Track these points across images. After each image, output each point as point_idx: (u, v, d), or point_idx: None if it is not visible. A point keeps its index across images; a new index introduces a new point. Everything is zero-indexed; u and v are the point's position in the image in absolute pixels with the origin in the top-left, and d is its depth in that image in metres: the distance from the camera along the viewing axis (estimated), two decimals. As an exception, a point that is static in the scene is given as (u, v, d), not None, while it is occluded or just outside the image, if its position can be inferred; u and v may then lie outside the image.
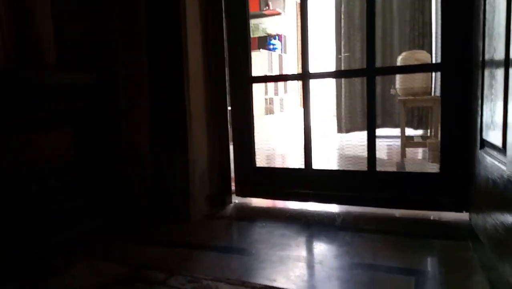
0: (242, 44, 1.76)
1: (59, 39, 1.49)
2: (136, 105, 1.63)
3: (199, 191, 1.67)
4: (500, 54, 1.00)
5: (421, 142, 2.78)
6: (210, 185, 1.77)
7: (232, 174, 1.85)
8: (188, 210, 1.61)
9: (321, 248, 1.29)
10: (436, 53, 3.23)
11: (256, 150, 1.87)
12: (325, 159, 2.97)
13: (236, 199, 1.86)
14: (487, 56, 1.16)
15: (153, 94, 1.61)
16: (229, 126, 1.83)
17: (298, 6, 6.32)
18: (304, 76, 1.72)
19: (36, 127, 1.29)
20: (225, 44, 1.76)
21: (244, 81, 1.78)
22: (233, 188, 1.87)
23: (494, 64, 1.07)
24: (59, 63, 1.49)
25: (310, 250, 1.29)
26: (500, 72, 1.01)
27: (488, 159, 1.12)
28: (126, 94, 1.62)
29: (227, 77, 1.78)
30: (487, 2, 1.15)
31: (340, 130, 4.27)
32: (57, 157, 1.38)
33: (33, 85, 1.27)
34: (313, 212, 1.66)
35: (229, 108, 1.84)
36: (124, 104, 1.62)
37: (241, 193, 1.85)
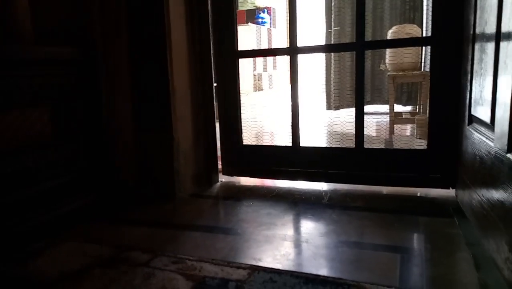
0: (228, 17, 1.70)
1: (36, 14, 1.41)
2: (117, 82, 1.57)
3: (184, 169, 1.64)
4: (491, 28, 0.97)
5: (410, 118, 2.77)
6: (196, 164, 1.74)
7: (219, 152, 1.82)
8: (173, 189, 1.59)
9: (307, 227, 1.28)
10: (426, 27, 3.19)
11: (243, 128, 1.84)
12: (314, 136, 2.95)
13: (223, 178, 1.84)
14: (478, 30, 1.13)
15: (135, 70, 1.56)
16: (215, 103, 1.78)
17: (287, -22, 6.14)
18: (292, 50, 1.67)
19: (11, 105, 1.23)
20: (210, 17, 1.69)
21: (230, 55, 1.73)
22: (220, 166, 1.84)
23: (485, 38, 1.04)
24: (37, 38, 1.42)
25: (296, 229, 1.28)
26: (490, 46, 0.98)
27: (476, 135, 1.10)
28: (106, 70, 1.56)
29: (212, 52, 1.73)
30: (479, -28, 1.10)
31: (329, 107, 4.25)
32: (35, 136, 1.33)
33: (4, 60, 1.20)
34: (301, 190, 1.65)
35: (215, 84, 1.79)
36: (104, 81, 1.56)
37: (227, 171, 1.83)
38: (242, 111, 1.81)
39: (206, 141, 1.76)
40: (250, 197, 1.58)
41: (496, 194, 0.90)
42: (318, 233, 1.21)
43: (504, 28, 0.87)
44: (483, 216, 1.01)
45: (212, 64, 1.73)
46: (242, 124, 1.82)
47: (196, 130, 1.72)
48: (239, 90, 1.77)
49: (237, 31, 1.73)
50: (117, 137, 1.60)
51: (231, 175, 1.84)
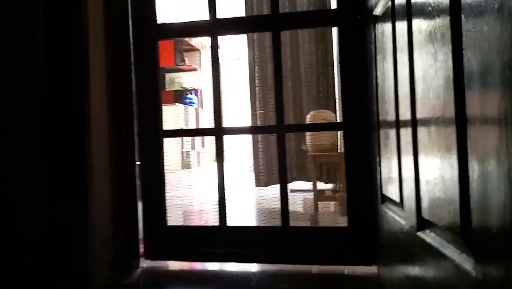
0: (152, 98, 1.71)
1: None
2: (24, 154, 1.45)
3: (100, 254, 1.49)
4: (391, 116, 1.10)
5: (332, 196, 2.91)
6: (114, 247, 1.59)
7: (141, 234, 1.71)
8: (86, 278, 1.42)
9: (234, 315, 1.20)
10: (340, 113, 3.52)
11: (168, 207, 1.77)
12: (244, 214, 2.93)
13: (145, 263, 1.70)
14: (381, 118, 1.27)
15: (48, 146, 1.46)
16: (137, 182, 1.71)
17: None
18: (217, 131, 1.71)
19: None
20: (134, 96, 1.69)
21: (155, 135, 1.71)
22: (142, 249, 1.71)
23: (387, 125, 1.16)
24: None
25: (222, 318, 1.19)
26: (392, 133, 1.09)
27: (389, 214, 1.18)
28: (12, 143, 1.43)
29: (136, 130, 1.70)
30: (378, 69, 1.27)
31: (258, 183, 4.31)
32: None
33: None
34: (228, 273, 1.58)
35: (138, 163, 1.73)
36: (10, 152, 1.43)
37: (150, 255, 1.70)
38: (167, 190, 1.75)
39: (126, 222, 1.65)
40: (175, 284, 1.47)
41: (413, 271, 0.94)
42: (245, 322, 1.14)
43: (402, 118, 0.99)
44: (403, 293, 1.04)
45: (136, 143, 1.70)
46: (168, 204, 1.76)
47: (115, 210, 1.61)
48: (163, 169, 1.73)
49: (161, 110, 1.75)
50: (20, 215, 1.43)
51: (154, 259, 1.71)
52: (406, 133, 0.95)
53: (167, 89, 6.32)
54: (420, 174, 0.86)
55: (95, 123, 1.50)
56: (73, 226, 1.43)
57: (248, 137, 4.52)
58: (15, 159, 1.44)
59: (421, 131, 0.83)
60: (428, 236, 0.83)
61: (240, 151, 5.91)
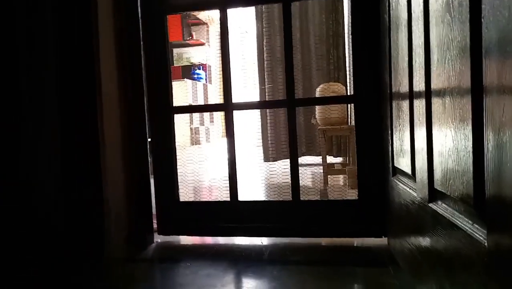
0: (162, 74, 1.71)
1: None
2: (43, 136, 1.47)
3: (115, 231, 1.53)
4: (405, 87, 1.08)
5: (341, 169, 2.91)
6: (129, 224, 1.63)
7: (154, 210, 1.74)
8: (103, 253, 1.47)
9: (248, 286, 1.24)
10: (350, 86, 3.47)
11: (180, 183, 1.79)
12: (253, 189, 2.96)
13: (158, 238, 1.75)
14: (394, 89, 1.25)
15: (63, 125, 1.47)
16: (149, 159, 1.73)
17: (222, 38, 6.46)
18: (227, 106, 1.71)
19: None
20: (144, 72, 1.69)
21: (165, 111, 1.72)
22: (155, 225, 1.75)
23: (400, 96, 1.15)
24: None
25: (236, 289, 1.23)
26: (405, 104, 1.08)
27: (400, 186, 1.18)
28: (29, 128, 1.46)
29: (146, 107, 1.71)
30: (392, 40, 1.24)
31: (267, 159, 4.33)
32: None
33: None
34: (241, 246, 1.61)
35: (150, 140, 1.75)
36: (26, 138, 1.45)
37: (163, 230, 1.74)
38: (178, 167, 1.77)
39: (140, 199, 1.68)
40: (188, 257, 1.50)
41: (424, 242, 0.95)
42: (258, 292, 1.17)
43: (416, 88, 0.98)
44: (415, 264, 1.06)
45: (146, 119, 1.71)
46: (179, 180, 1.78)
47: (129, 187, 1.64)
48: (175, 145, 1.75)
49: (171, 86, 1.74)
50: (40, 196, 1.47)
51: (168, 234, 1.75)
52: (420, 105, 0.93)
53: (175, 65, 6.29)
54: (434, 146, 0.85)
55: (106, 101, 1.50)
56: (88, 204, 1.47)
57: (256, 112, 4.50)
58: (33, 137, 1.46)
59: (436, 102, 0.82)
60: (440, 207, 0.83)
61: (248, 126, 5.91)
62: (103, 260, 1.46)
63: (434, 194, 0.87)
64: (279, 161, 4.11)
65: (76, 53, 1.46)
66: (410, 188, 1.08)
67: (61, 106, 1.47)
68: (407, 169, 1.10)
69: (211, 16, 6.49)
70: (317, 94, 2.99)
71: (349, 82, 3.54)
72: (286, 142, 4.07)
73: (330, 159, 3.62)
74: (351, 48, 1.60)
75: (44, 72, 1.46)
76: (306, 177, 3.26)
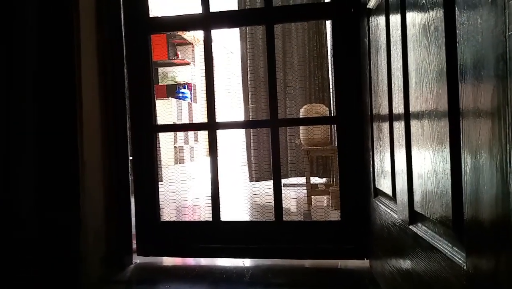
0: (145, 92, 1.70)
1: None
2: (18, 155, 1.43)
3: (93, 251, 1.48)
4: (384, 110, 1.10)
5: (325, 190, 2.92)
6: (107, 244, 1.58)
7: (134, 230, 1.70)
8: (78, 275, 1.41)
9: (228, 309, 1.20)
10: (333, 107, 3.52)
11: (162, 203, 1.76)
12: (237, 209, 2.93)
13: (138, 259, 1.70)
14: (374, 111, 1.27)
15: (42, 143, 1.44)
16: (130, 178, 1.70)
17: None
18: (210, 126, 1.70)
19: None
20: (127, 91, 1.68)
21: (147, 130, 1.70)
22: (135, 246, 1.70)
23: (381, 118, 1.16)
24: None
25: (216, 313, 1.19)
26: (386, 126, 1.09)
27: (382, 207, 1.18)
28: (7, 147, 1.42)
29: (129, 126, 1.69)
30: (372, 63, 1.27)
31: (251, 179, 4.31)
32: None
33: None
34: (222, 268, 1.58)
35: (131, 158, 1.72)
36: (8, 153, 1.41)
37: (143, 251, 1.70)
38: (160, 186, 1.74)
39: (119, 218, 1.64)
40: (168, 279, 1.46)
41: (404, 264, 0.94)
42: (239, 316, 1.14)
43: (395, 111, 0.99)
44: (395, 286, 1.05)
45: (129, 138, 1.68)
46: (160, 199, 1.75)
47: (108, 207, 1.60)
48: (157, 164, 1.72)
49: (155, 105, 1.73)
50: (11, 218, 1.42)
51: (147, 255, 1.70)
52: (399, 127, 0.95)
53: (160, 84, 6.28)
54: (413, 167, 0.86)
55: (87, 119, 1.48)
56: (64, 226, 1.42)
57: (241, 132, 4.51)
58: (12, 159, 1.42)
59: (414, 124, 0.83)
60: (420, 230, 0.83)
61: (233, 145, 5.90)
62: (79, 283, 1.40)
63: (414, 216, 0.87)
64: (262, 181, 4.09)
65: (56, 71, 1.43)
66: (391, 210, 1.08)
67: (40, 124, 1.44)
68: (388, 191, 1.10)
69: (196, 36, 6.55)
70: (301, 115, 3.01)
71: (333, 103, 3.59)
72: (270, 162, 4.06)
73: (314, 180, 3.63)
74: (333, 70, 1.63)
75: (22, 90, 1.44)
76: (289, 198, 3.24)
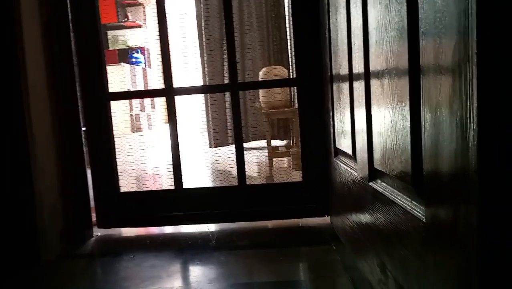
0: (95, 57, 1.59)
1: None
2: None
3: (50, 226, 1.43)
4: (344, 70, 1.10)
5: (286, 152, 2.96)
6: (65, 218, 1.53)
7: (93, 203, 1.64)
8: (37, 251, 1.36)
9: (195, 274, 1.21)
10: (293, 68, 3.51)
11: (120, 173, 1.70)
12: (199, 176, 2.91)
13: (98, 232, 1.65)
14: (334, 72, 1.27)
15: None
16: (84, 149, 1.62)
17: (161, 20, 6.20)
18: (168, 92, 1.64)
19: None
20: (75, 57, 1.56)
21: (100, 98, 1.61)
22: (94, 218, 1.65)
23: (340, 79, 1.17)
24: None
25: (184, 279, 1.20)
26: (345, 86, 1.10)
27: (342, 166, 1.21)
28: None
29: (79, 94, 1.58)
30: (331, 22, 1.25)
31: (211, 144, 4.29)
32: None
33: None
34: (187, 235, 1.58)
35: (84, 128, 1.63)
36: None
37: (103, 223, 1.65)
38: (118, 156, 1.68)
39: (76, 192, 1.58)
40: (132, 250, 1.44)
41: (364, 219, 0.98)
42: (207, 279, 1.15)
43: (355, 70, 1.00)
44: (356, 240, 1.10)
45: (80, 107, 1.59)
46: (119, 169, 1.69)
47: (63, 180, 1.53)
48: (113, 133, 1.65)
49: (106, 71, 1.63)
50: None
51: (108, 227, 1.66)
52: (359, 87, 0.95)
53: (110, 48, 5.93)
54: (373, 126, 0.87)
55: (33, 89, 1.37)
56: (18, 201, 1.34)
57: (199, 97, 4.42)
58: None
59: (374, 83, 0.83)
60: (380, 186, 0.86)
61: (192, 110, 5.79)
62: (38, 258, 1.35)
63: (374, 173, 0.90)
64: (222, 147, 4.08)
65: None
66: (351, 168, 1.11)
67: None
68: (348, 150, 1.12)
69: (147, -4, 6.18)
70: (260, 78, 2.98)
71: (292, 65, 3.57)
72: (230, 127, 4.04)
73: (275, 142, 3.67)
74: (292, 31, 1.60)
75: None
76: (251, 162, 3.27)
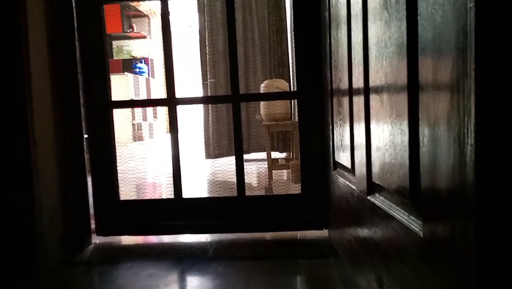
0: (99, 66, 1.61)
1: None
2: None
3: (49, 233, 1.43)
4: (344, 84, 1.11)
5: (285, 164, 2.96)
6: (64, 225, 1.53)
7: (92, 210, 1.64)
8: (36, 258, 1.35)
9: (193, 284, 1.21)
10: (293, 82, 3.54)
11: (121, 181, 1.70)
12: (197, 187, 2.91)
13: (97, 239, 1.65)
14: (334, 86, 1.28)
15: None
16: (86, 156, 1.62)
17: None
18: (170, 101, 1.65)
19: None
20: (79, 65, 1.58)
21: (102, 106, 1.62)
22: (93, 226, 1.65)
23: (340, 93, 1.18)
24: None
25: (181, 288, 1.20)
26: (345, 100, 1.11)
27: (341, 179, 1.22)
28: None
29: (82, 102, 1.60)
30: (332, 37, 1.27)
31: (208, 156, 4.28)
32: None
33: None
34: (185, 244, 1.57)
35: (86, 136, 1.64)
36: None
37: (102, 231, 1.65)
38: (119, 164, 1.69)
39: (76, 198, 1.58)
40: (130, 258, 1.44)
41: (362, 233, 0.98)
42: (203, 290, 1.14)
43: (355, 85, 1.01)
44: (353, 254, 1.09)
45: (83, 115, 1.60)
46: (119, 178, 1.69)
47: (63, 187, 1.53)
48: (114, 141, 1.66)
49: (109, 80, 1.65)
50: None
51: (107, 235, 1.66)
52: (358, 101, 0.96)
53: (114, 58, 5.99)
54: (372, 141, 0.88)
55: (37, 95, 1.39)
56: (18, 207, 1.35)
57: (200, 108, 4.44)
58: None
59: (374, 98, 0.84)
60: (378, 200, 0.86)
61: (193, 121, 5.81)
62: (36, 265, 1.34)
63: (372, 187, 0.90)
64: (220, 158, 4.08)
65: (1, 45, 1.32)
66: (349, 182, 1.11)
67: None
68: (347, 163, 1.13)
69: (152, 8, 6.27)
70: (262, 90, 3.00)
71: (292, 79, 3.60)
72: (228, 138, 4.05)
73: (275, 154, 3.67)
74: (294, 45, 1.62)
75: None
76: (250, 173, 3.27)
